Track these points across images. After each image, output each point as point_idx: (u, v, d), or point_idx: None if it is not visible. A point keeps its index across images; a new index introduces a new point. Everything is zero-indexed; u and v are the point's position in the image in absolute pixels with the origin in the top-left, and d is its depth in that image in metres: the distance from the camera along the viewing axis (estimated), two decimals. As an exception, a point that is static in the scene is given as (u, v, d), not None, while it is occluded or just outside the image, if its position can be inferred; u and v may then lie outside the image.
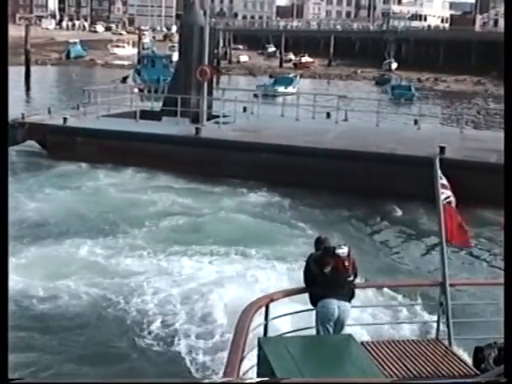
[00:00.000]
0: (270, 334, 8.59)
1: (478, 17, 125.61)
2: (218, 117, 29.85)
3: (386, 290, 13.38)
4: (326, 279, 8.79)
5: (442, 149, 24.23)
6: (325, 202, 22.45)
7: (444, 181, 9.18)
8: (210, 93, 30.81)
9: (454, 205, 9.17)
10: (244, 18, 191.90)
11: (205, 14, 30.85)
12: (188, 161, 25.63)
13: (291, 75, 67.20)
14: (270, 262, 16.59)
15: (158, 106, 32.31)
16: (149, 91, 39.53)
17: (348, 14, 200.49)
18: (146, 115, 30.00)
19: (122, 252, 17.20)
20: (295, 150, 25.33)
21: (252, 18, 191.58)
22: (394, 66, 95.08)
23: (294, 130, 28.96)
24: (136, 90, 41.22)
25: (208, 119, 29.54)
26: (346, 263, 8.86)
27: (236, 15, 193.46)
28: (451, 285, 9.18)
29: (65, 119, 28.54)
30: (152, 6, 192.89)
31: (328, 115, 33.14)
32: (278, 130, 28.64)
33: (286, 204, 22.34)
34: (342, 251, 8.86)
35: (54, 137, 28.08)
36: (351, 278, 8.98)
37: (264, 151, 25.39)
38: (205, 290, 14.67)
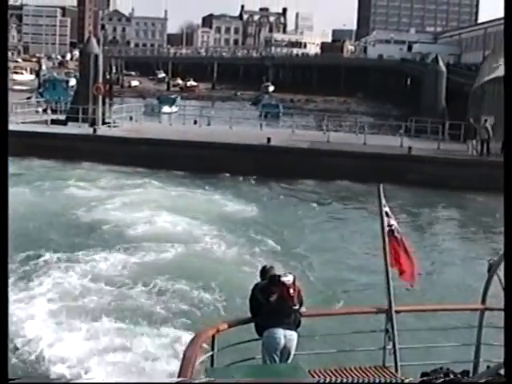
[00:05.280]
0: (217, 364, 8.66)
1: (347, 44, 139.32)
2: (109, 123, 39.71)
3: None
4: (271, 308, 8.82)
5: (269, 139, 35.06)
6: (183, 175, 32.74)
7: (387, 208, 9.03)
8: (103, 105, 40.62)
9: (397, 234, 9.03)
10: (136, 45, 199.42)
11: (98, 43, 40.66)
12: (88, 152, 35.13)
13: (173, 96, 76.84)
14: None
15: (62, 117, 41.57)
16: (56, 106, 48.48)
17: (236, 42, 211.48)
18: (55, 122, 39.39)
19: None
20: (164, 142, 35.42)
21: (144, 45, 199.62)
22: (271, 88, 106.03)
23: (166, 131, 39.28)
24: (40, 109, 49.83)
25: (102, 124, 39.25)
26: (292, 291, 8.89)
27: (128, 43, 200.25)
28: (397, 311, 9.24)
29: (-8, 125, 37.48)
30: (46, 35, 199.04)
31: (195, 122, 43.57)
32: (154, 131, 38.76)
33: (156, 175, 32.37)
34: (287, 279, 8.93)
35: (-16, 138, 37.05)
36: (297, 307, 8.98)
37: (142, 144, 35.37)
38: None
